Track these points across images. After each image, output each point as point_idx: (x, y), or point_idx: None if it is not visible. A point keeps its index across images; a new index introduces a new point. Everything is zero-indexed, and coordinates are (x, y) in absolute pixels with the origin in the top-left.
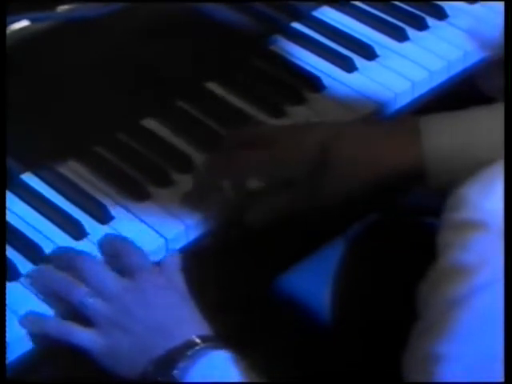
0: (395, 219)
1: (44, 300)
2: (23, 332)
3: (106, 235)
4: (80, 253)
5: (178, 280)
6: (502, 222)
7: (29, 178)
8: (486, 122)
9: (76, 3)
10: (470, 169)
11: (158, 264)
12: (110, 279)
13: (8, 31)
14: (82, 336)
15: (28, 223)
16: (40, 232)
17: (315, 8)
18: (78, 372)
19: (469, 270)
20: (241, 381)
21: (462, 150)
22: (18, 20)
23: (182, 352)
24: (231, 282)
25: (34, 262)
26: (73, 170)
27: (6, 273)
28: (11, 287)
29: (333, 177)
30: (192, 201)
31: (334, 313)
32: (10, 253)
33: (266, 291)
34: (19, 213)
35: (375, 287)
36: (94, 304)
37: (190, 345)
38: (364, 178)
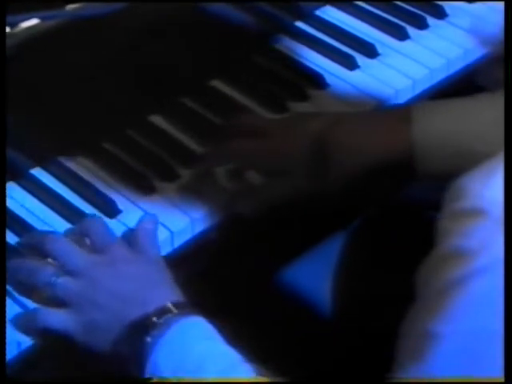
0: (395, 213)
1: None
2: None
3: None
4: (46, 233)
5: (151, 248)
6: (502, 211)
7: (38, 173)
8: (474, 111)
9: (84, 2)
10: (457, 156)
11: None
12: (78, 256)
13: (18, 29)
14: (56, 318)
15: (38, 217)
16: (49, 225)
17: (318, 7)
18: (76, 371)
19: (467, 255)
20: (214, 346)
21: (450, 138)
22: (28, 18)
23: (155, 319)
24: (233, 275)
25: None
26: (81, 165)
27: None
28: None
29: (330, 165)
30: (192, 191)
31: (334, 304)
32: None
33: (268, 284)
34: (29, 207)
35: (375, 279)
36: (64, 283)
37: (163, 311)
38: (359, 165)
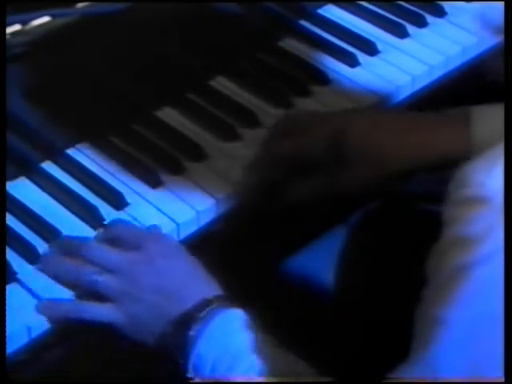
0: (397, 205)
1: (61, 285)
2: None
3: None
4: (82, 239)
5: (182, 246)
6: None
7: (48, 167)
8: None
9: (93, 0)
10: None
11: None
12: (115, 255)
13: (29, 27)
14: (101, 311)
15: (47, 209)
16: (58, 218)
17: (321, 6)
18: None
19: (473, 241)
20: (254, 338)
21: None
22: (40, 16)
23: (196, 313)
24: (238, 267)
25: None
26: (89, 158)
27: (27, 257)
28: (34, 270)
29: (366, 164)
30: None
31: (337, 292)
32: (31, 237)
33: (272, 275)
34: (38, 200)
35: (376, 270)
36: (105, 280)
37: (204, 305)
38: (410, 163)
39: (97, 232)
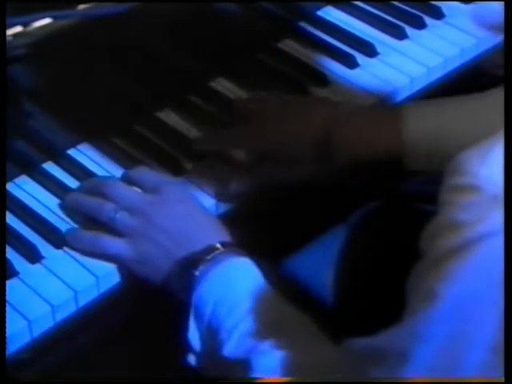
0: (395, 205)
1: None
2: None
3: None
4: (104, 178)
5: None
6: (497, 188)
7: (50, 167)
8: (462, 112)
9: (95, 2)
10: (445, 155)
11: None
12: (134, 195)
13: (31, 28)
14: (114, 245)
15: (49, 209)
16: (60, 217)
17: (320, 8)
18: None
19: (464, 225)
20: (257, 285)
21: (438, 137)
22: (41, 18)
23: (204, 255)
24: None
25: (56, 245)
26: (90, 158)
27: (29, 255)
28: (35, 269)
29: (333, 152)
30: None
31: (335, 293)
32: (32, 237)
33: (270, 275)
34: (41, 199)
35: (376, 270)
36: (122, 218)
37: (211, 249)
38: (356, 157)
39: (122, 173)
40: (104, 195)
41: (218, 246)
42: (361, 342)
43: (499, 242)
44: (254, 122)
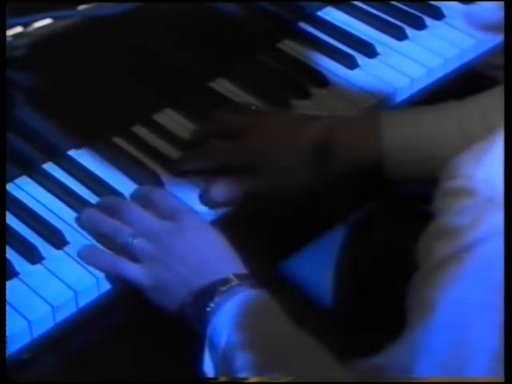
0: (394, 207)
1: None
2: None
3: (138, 188)
4: (123, 200)
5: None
6: (491, 190)
7: (50, 168)
8: (438, 120)
9: (95, 2)
10: (422, 162)
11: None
12: (152, 221)
13: (31, 29)
14: (131, 270)
15: (49, 209)
16: (60, 218)
17: (320, 9)
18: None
19: (460, 230)
20: (271, 320)
21: (414, 145)
22: (41, 18)
23: (219, 287)
24: None
25: (56, 246)
26: (91, 159)
27: (29, 257)
28: (36, 270)
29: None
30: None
31: (335, 294)
32: (33, 238)
33: (269, 277)
34: (41, 200)
35: (374, 271)
36: (139, 244)
37: (227, 281)
38: (344, 165)
39: (134, 191)
40: (121, 218)
41: (233, 277)
42: (366, 363)
43: (496, 245)
44: (240, 137)
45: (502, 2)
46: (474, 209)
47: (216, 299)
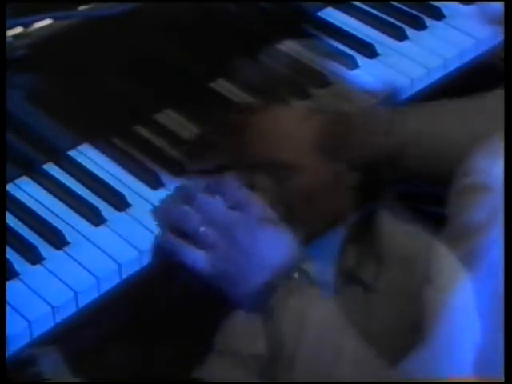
0: (394, 207)
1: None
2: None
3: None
4: (197, 189)
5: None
6: None
7: (50, 168)
8: (442, 117)
9: (95, 3)
10: (429, 156)
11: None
12: (220, 211)
13: (32, 29)
14: (193, 255)
15: (50, 210)
16: (61, 218)
17: (320, 9)
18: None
19: (478, 229)
20: (328, 318)
21: (421, 140)
22: (42, 19)
23: (280, 282)
24: None
25: (56, 246)
26: (91, 159)
27: (29, 257)
28: (36, 270)
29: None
30: None
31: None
32: (33, 238)
33: None
34: (41, 200)
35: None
36: (206, 232)
37: (288, 277)
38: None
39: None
40: (192, 205)
41: (295, 274)
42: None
43: None
44: (246, 136)
45: (502, 2)
46: (491, 204)
47: (276, 295)
